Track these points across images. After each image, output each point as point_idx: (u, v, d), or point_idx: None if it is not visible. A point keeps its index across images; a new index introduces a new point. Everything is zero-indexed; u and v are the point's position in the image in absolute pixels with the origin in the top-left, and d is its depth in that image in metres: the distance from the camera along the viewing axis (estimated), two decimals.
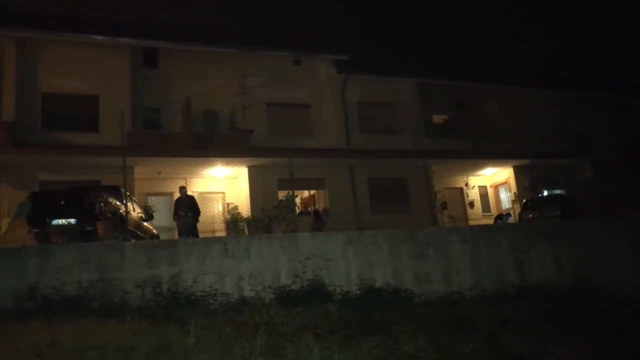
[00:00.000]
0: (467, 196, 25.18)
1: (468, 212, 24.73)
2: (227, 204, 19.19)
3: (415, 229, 12.48)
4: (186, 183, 18.88)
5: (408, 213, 20.46)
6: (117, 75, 19.64)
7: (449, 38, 51.62)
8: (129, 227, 11.90)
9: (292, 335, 6.33)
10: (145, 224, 14.40)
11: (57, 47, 19.43)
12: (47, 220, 11.43)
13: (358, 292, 10.59)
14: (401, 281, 11.19)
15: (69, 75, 19.11)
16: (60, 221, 11.48)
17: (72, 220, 11.51)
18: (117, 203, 12.60)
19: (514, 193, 23.88)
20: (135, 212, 13.76)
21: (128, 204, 12.28)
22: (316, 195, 21.89)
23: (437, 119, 25.43)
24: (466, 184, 25.23)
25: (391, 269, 11.52)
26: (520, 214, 20.11)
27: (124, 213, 12.17)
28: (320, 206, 20.85)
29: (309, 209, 19.89)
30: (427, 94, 23.91)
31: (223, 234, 16.71)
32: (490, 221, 22.28)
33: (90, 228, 11.45)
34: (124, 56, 20.07)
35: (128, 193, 12.73)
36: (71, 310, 8.25)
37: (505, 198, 25.11)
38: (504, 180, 25.03)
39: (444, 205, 22.86)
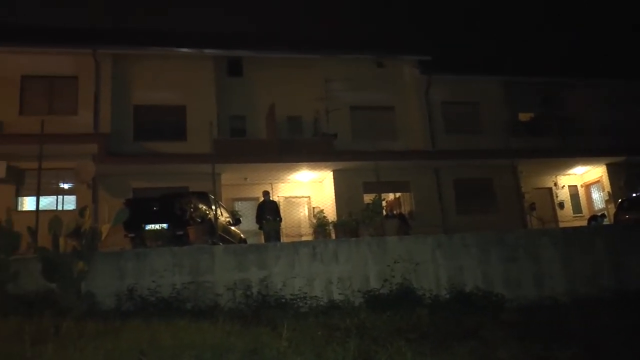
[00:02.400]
0: (557, 196, 24.06)
1: (558, 213, 23.65)
2: (313, 207, 19.34)
3: (505, 232, 12.09)
4: (272, 188, 19.24)
5: (495, 215, 19.88)
6: (203, 85, 20.29)
7: (532, 32, 49.95)
8: (218, 232, 12.20)
9: (383, 339, 6.24)
10: (233, 228, 14.72)
11: (147, 62, 20.39)
12: (142, 226, 11.97)
13: (448, 296, 10.31)
14: (491, 285, 10.81)
15: (158, 88, 19.97)
16: (153, 226, 11.97)
17: (165, 226, 11.96)
18: (206, 208, 12.95)
19: (608, 192, 22.61)
20: (224, 216, 14.08)
21: (216, 209, 12.61)
22: (401, 198, 21.65)
23: (524, 116, 24.38)
24: (555, 184, 24.13)
25: (480, 273, 11.20)
26: (615, 214, 19.03)
27: (213, 218, 12.51)
28: (405, 209, 20.61)
29: (395, 212, 19.70)
30: (512, 91, 23.18)
31: (309, 237, 16.84)
32: (582, 223, 21.25)
33: (181, 233, 11.83)
34: (209, 67, 20.74)
35: (216, 199, 13.08)
36: (167, 311, 8.53)
37: (598, 198, 23.81)
38: (596, 179, 23.74)
39: (532, 207, 21.91)
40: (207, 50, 20.80)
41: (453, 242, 11.54)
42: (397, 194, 21.65)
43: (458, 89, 22.87)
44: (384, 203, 15.84)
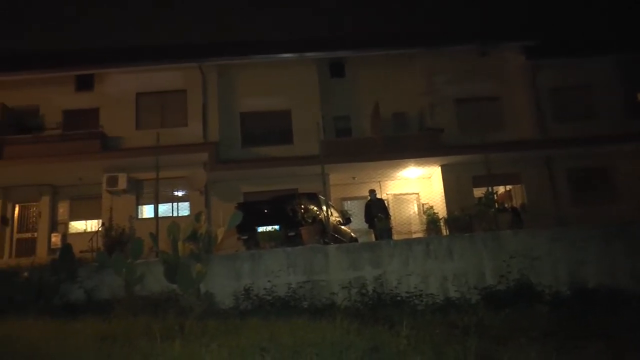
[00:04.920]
0: None
1: None
2: (422, 204, 19.02)
3: (630, 223, 11.31)
4: (380, 186, 19.14)
5: (615, 204, 18.50)
6: (306, 88, 20.51)
7: None
8: (329, 231, 12.19)
9: (503, 338, 5.99)
10: (343, 227, 14.70)
11: (251, 70, 20.92)
12: (254, 228, 12.19)
13: (568, 292, 9.76)
14: (616, 281, 10.08)
15: (262, 94, 20.46)
16: (265, 228, 12.16)
17: (277, 227, 12.13)
18: (317, 209, 13.00)
19: None
20: (334, 216, 14.08)
21: (326, 209, 12.63)
22: (512, 191, 20.77)
23: None
24: None
25: (603, 268, 10.49)
26: None
27: (324, 218, 12.53)
28: (517, 202, 19.74)
29: (506, 206, 18.91)
30: (629, 71, 21.50)
31: (420, 234, 16.56)
32: None
33: (293, 234, 11.97)
34: (312, 70, 20.93)
35: (326, 199, 13.11)
36: (283, 309, 8.66)
37: None
38: None
39: None
40: (308, 54, 21.00)
41: (571, 235, 11.00)
42: (508, 187, 20.78)
43: (567, 72, 21.48)
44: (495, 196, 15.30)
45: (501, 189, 20.08)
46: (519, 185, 20.18)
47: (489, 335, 6.19)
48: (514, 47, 21.61)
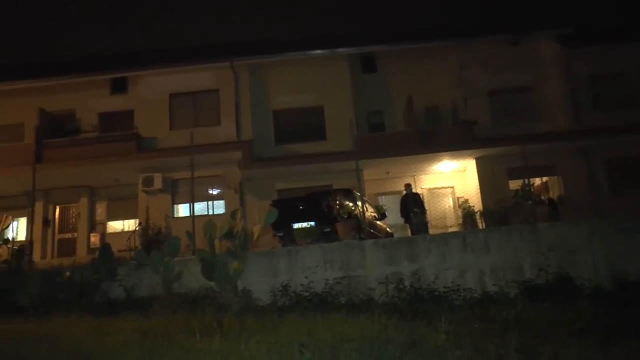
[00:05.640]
0: None
1: None
2: (457, 197, 18.84)
3: None
4: (414, 180, 19.03)
5: None
6: (338, 84, 20.43)
7: None
8: (365, 227, 12.14)
9: (544, 333, 5.88)
10: (378, 223, 14.62)
11: (282, 68, 20.94)
12: (290, 225, 12.21)
13: (609, 286, 9.54)
14: None
15: (294, 91, 20.50)
16: (301, 225, 12.18)
17: (312, 223, 12.13)
18: (352, 204, 12.95)
19: None
20: (369, 212, 14.01)
21: (361, 204, 12.57)
22: (549, 182, 20.38)
23: None
24: None
25: None
26: None
27: (359, 214, 12.47)
28: (554, 194, 19.35)
29: (543, 198, 18.56)
30: None
31: (456, 228, 16.39)
32: None
33: (329, 230, 11.95)
34: (344, 66, 20.84)
35: (360, 194, 13.05)
36: (321, 305, 8.65)
37: None
38: None
39: None
40: (340, 50, 20.90)
41: (610, 226, 10.70)
42: (544, 179, 20.40)
43: (605, 59, 20.82)
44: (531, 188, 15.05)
45: (537, 181, 19.77)
46: (555, 177, 19.80)
47: (529, 330, 6.06)
48: (548, 36, 21.17)
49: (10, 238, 13.73)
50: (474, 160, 19.18)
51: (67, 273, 10.32)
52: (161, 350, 5.29)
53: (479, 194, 18.45)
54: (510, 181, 17.77)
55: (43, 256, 19.13)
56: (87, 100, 20.90)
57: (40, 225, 19.38)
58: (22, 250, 11.50)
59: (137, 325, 6.87)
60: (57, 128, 20.38)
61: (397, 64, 21.14)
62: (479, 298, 9.29)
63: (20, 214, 17.80)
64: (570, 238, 10.41)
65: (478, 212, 15.50)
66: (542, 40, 21.18)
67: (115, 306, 9.28)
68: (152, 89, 20.78)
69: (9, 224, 13.99)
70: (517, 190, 13.41)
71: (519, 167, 12.86)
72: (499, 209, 13.11)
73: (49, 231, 20.16)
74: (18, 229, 18.53)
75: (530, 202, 12.49)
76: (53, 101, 20.62)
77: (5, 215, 14.23)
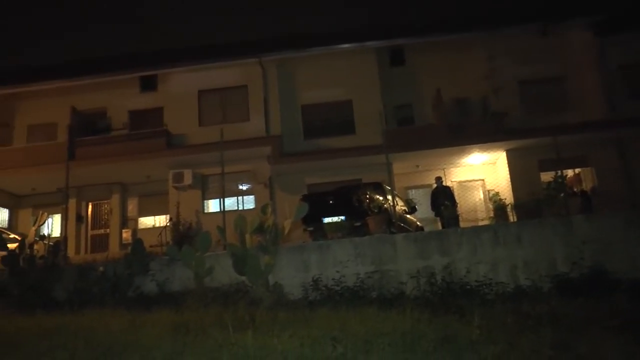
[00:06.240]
0: None
1: None
2: (488, 190, 18.62)
3: None
4: (444, 173, 18.88)
5: None
6: (367, 78, 20.36)
7: None
8: (395, 221, 12.07)
9: (579, 328, 5.76)
10: (409, 216, 14.54)
11: (310, 63, 20.98)
12: (320, 219, 12.20)
13: None
14: None
15: (323, 86, 20.50)
16: (331, 219, 12.15)
17: (342, 218, 12.10)
18: (382, 198, 12.89)
19: None
20: (399, 205, 13.94)
21: (392, 198, 12.50)
22: (581, 174, 19.98)
23: None
24: None
25: None
26: None
27: (389, 207, 12.40)
28: (587, 186, 18.97)
29: (575, 190, 18.22)
30: None
31: (487, 221, 16.20)
32: None
33: (359, 224, 11.90)
34: (372, 59, 20.75)
35: (391, 188, 12.97)
36: (352, 299, 8.59)
37: None
38: None
39: None
40: (368, 43, 20.78)
41: None
42: (577, 170, 20.00)
43: (638, 47, 20.45)
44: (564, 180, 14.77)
45: (570, 173, 19.37)
46: (588, 168, 19.40)
47: (564, 325, 5.96)
48: (579, 24, 20.73)
49: (46, 234, 14.04)
50: (505, 153, 18.93)
51: (101, 268, 10.47)
52: (195, 344, 5.34)
53: (510, 186, 18.21)
54: (541, 173, 17.46)
55: (77, 252, 19.48)
56: (118, 98, 21.21)
57: (73, 222, 19.73)
58: (57, 246, 11.66)
59: (170, 319, 6.93)
60: (88, 126, 20.69)
61: (425, 56, 20.94)
62: (512, 292, 9.16)
63: (55, 211, 18.11)
64: (605, 230, 10.20)
65: (509, 205, 15.30)
66: (573, 29, 20.77)
67: (148, 300, 9.41)
68: (181, 87, 21.04)
69: (45, 221, 14.32)
70: (549, 183, 13.17)
71: (550, 159, 12.58)
72: (531, 201, 12.89)
73: (82, 227, 20.53)
74: (53, 226, 18.85)
75: (563, 194, 12.24)
76: (84, 100, 20.96)
77: (41, 212, 14.58)
